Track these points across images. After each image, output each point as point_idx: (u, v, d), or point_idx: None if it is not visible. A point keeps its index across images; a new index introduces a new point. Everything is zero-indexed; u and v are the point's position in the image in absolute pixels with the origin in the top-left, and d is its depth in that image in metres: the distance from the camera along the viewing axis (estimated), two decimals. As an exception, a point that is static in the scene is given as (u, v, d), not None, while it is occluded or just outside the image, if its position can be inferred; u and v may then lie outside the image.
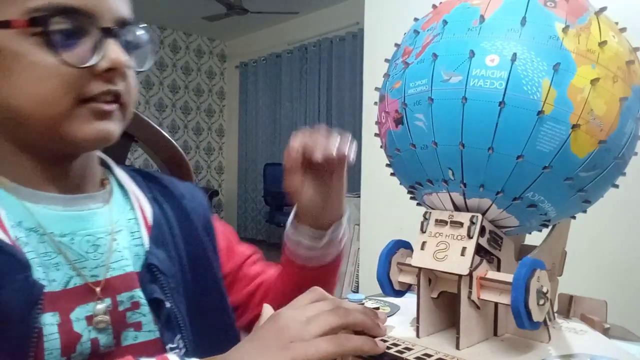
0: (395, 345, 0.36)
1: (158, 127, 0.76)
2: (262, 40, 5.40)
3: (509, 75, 0.35)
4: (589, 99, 0.35)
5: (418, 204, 0.46)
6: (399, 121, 0.41)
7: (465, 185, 0.38)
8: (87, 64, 0.48)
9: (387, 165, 0.47)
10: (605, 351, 0.38)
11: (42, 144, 0.51)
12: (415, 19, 0.44)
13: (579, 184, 0.38)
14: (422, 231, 0.40)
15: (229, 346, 0.44)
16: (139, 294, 0.54)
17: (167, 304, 0.55)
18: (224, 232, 0.71)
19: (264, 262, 0.74)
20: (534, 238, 0.45)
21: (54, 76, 0.47)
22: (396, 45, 0.45)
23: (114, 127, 0.51)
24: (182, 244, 0.61)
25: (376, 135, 0.49)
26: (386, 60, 0.46)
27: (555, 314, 0.46)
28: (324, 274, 0.65)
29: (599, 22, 0.37)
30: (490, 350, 0.38)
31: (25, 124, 0.49)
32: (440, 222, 0.40)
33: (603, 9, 0.39)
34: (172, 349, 0.54)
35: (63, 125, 0.48)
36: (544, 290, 0.35)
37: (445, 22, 0.39)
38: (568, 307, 0.48)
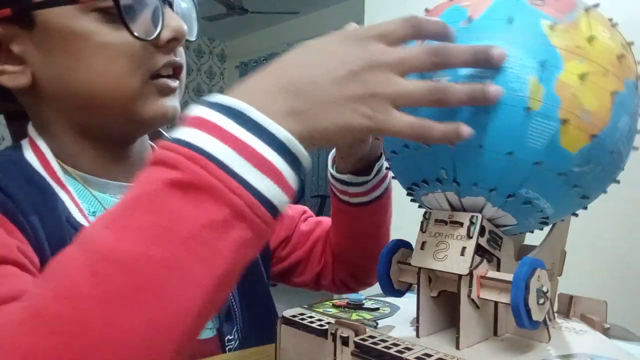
0: (395, 345, 0.36)
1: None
2: (262, 40, 5.39)
3: (495, 73, 0.36)
4: (577, 93, 0.35)
5: (419, 206, 0.46)
6: None
7: (458, 184, 0.38)
8: (153, 36, 0.46)
9: (387, 168, 0.46)
10: (605, 351, 0.38)
11: (107, 128, 0.49)
12: None
13: (574, 180, 0.37)
14: (422, 231, 0.41)
15: (274, 336, 0.42)
16: None
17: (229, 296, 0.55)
18: None
19: (314, 217, 0.74)
20: (534, 238, 0.45)
21: (124, 53, 0.45)
22: None
23: (177, 104, 0.50)
24: None
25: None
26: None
27: (555, 314, 0.46)
28: (377, 209, 0.63)
29: (588, 18, 0.38)
30: (491, 350, 0.38)
31: (94, 108, 0.47)
32: (440, 222, 0.40)
33: (595, 5, 0.39)
34: (229, 341, 0.54)
35: (133, 105, 0.45)
36: (544, 289, 0.35)
37: None
38: (568, 307, 0.48)
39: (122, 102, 0.46)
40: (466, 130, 0.34)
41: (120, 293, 0.28)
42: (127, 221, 0.30)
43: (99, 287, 0.28)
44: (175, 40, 0.48)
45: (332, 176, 0.63)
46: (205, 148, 0.31)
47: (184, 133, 0.32)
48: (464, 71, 0.36)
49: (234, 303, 0.56)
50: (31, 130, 0.50)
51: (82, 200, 0.48)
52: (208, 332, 0.53)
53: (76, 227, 0.44)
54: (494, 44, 0.35)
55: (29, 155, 0.48)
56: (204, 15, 4.51)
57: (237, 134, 0.31)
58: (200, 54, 5.66)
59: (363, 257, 0.66)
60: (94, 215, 0.47)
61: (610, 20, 0.40)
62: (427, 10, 0.43)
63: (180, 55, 0.51)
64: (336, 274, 0.70)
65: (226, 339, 0.53)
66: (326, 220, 0.74)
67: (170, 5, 0.49)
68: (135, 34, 0.45)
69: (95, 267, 0.28)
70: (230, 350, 0.54)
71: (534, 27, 0.36)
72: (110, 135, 0.50)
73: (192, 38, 0.52)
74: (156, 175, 0.31)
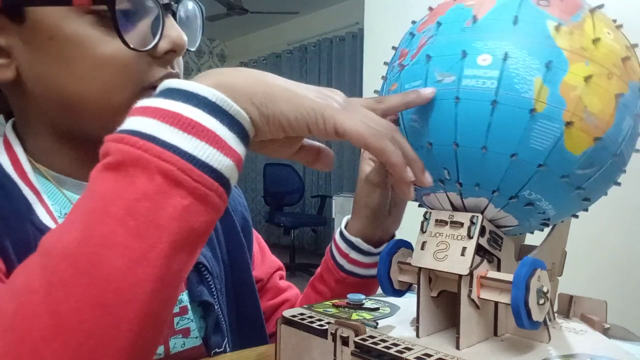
0: (395, 345, 0.36)
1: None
2: (262, 40, 5.40)
3: (500, 74, 0.35)
4: (582, 96, 0.35)
5: (419, 205, 0.46)
6: (395, 123, 0.41)
7: (461, 184, 0.38)
8: (149, 47, 0.43)
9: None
10: (605, 351, 0.38)
11: (88, 132, 0.47)
12: (413, 22, 0.44)
13: (576, 182, 0.37)
14: (422, 231, 0.40)
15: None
16: (185, 297, 0.51)
17: (216, 307, 0.53)
18: (257, 236, 0.69)
19: (285, 281, 0.73)
20: (534, 238, 0.45)
21: (114, 63, 0.43)
22: (394, 48, 0.45)
23: None
24: (223, 243, 0.59)
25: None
26: (385, 63, 0.46)
27: (555, 314, 0.46)
28: (363, 288, 0.60)
29: (593, 20, 0.37)
30: (490, 350, 0.38)
31: (79, 114, 0.45)
32: (440, 222, 0.40)
33: (600, 7, 0.39)
34: (215, 354, 0.52)
35: (120, 116, 0.45)
36: (544, 290, 0.35)
37: (439, 23, 0.40)
38: (568, 307, 0.48)
39: (109, 112, 0.44)
40: (428, 179, 0.38)
41: (63, 281, 0.28)
42: (70, 215, 0.31)
43: (44, 279, 0.28)
44: (173, 52, 0.46)
45: (341, 234, 0.60)
46: (130, 127, 0.31)
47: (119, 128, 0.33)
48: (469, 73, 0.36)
49: (221, 315, 0.54)
50: (7, 128, 0.49)
51: (54, 202, 0.46)
52: (194, 341, 0.52)
53: (42, 229, 0.43)
54: (499, 44, 0.35)
55: (1, 156, 0.46)
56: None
57: (161, 105, 0.31)
58: (200, 54, 5.66)
59: None
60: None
61: (614, 21, 0.40)
62: (430, 9, 0.43)
63: (178, 66, 0.48)
64: None
65: (213, 352, 0.52)
66: (295, 289, 0.71)
67: (174, 14, 0.47)
68: (130, 44, 0.42)
69: (43, 263, 0.29)
70: None
71: (540, 28, 0.36)
72: (91, 139, 0.47)
73: (193, 48, 0.50)
74: (94, 169, 0.32)
